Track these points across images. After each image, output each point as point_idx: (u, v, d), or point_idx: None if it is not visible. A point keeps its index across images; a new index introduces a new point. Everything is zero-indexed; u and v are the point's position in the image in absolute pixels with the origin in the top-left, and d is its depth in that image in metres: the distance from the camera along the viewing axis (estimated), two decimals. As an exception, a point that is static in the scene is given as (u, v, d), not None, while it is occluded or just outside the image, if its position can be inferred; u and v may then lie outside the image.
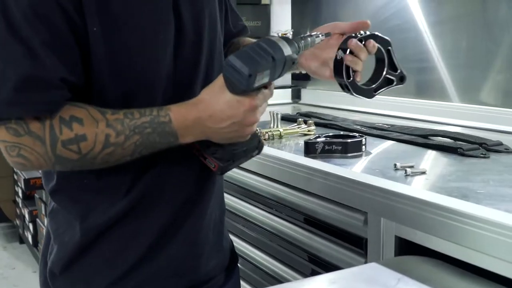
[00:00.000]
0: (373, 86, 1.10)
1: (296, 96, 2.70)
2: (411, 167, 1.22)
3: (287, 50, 0.89)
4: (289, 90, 2.71)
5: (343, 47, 1.04)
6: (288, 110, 2.33)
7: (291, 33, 2.70)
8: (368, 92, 1.09)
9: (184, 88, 0.96)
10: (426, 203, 0.97)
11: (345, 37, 1.07)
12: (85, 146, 0.85)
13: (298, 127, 1.73)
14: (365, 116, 2.05)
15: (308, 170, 1.26)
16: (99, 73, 0.89)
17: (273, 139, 1.64)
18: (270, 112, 1.81)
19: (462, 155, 1.35)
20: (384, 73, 1.10)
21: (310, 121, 1.75)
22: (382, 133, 1.64)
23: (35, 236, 3.41)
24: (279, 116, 1.79)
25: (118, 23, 0.88)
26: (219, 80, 0.89)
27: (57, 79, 0.84)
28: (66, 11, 0.84)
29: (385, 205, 1.06)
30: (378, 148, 1.50)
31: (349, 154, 1.39)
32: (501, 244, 0.85)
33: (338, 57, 1.05)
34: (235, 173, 1.55)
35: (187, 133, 0.89)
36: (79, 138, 0.85)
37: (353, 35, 1.05)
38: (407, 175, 1.17)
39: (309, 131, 1.70)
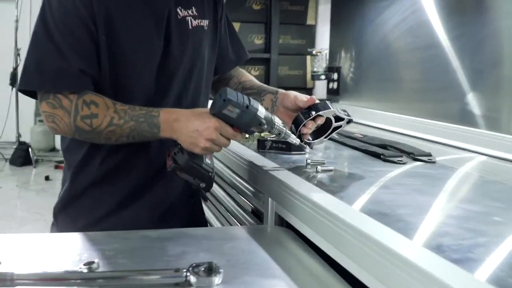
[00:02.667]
0: (324, 136, 1.44)
1: (327, 110, 2.92)
2: (323, 163, 1.46)
3: (261, 113, 1.20)
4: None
5: (297, 125, 1.35)
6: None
7: (327, 52, 2.96)
8: (319, 142, 1.45)
9: (161, 94, 1.32)
10: (289, 188, 1.22)
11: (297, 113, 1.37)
12: (95, 122, 1.22)
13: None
14: (384, 132, 2.21)
15: (238, 156, 1.57)
16: (102, 72, 1.25)
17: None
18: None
19: (385, 160, 1.55)
20: (332, 126, 1.42)
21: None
22: (345, 140, 1.86)
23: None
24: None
25: (118, 37, 1.25)
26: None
27: (77, 70, 1.21)
28: (86, 23, 1.22)
29: (272, 188, 1.31)
30: (324, 150, 1.74)
31: (293, 152, 1.64)
32: (324, 225, 1.06)
33: (291, 130, 1.36)
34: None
35: (166, 128, 1.21)
36: (92, 115, 1.21)
37: (304, 112, 1.35)
38: (317, 172, 1.40)
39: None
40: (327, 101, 1.36)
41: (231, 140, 1.23)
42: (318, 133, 1.43)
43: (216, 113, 1.18)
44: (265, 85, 1.54)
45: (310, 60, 3.17)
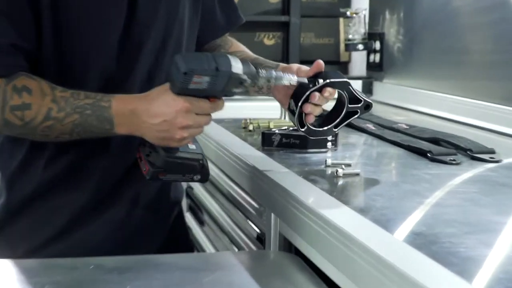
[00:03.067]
0: (334, 123, 1.38)
1: (367, 91, 2.90)
2: (348, 165, 1.45)
3: (237, 68, 1.18)
4: (359, 82, 2.89)
5: (297, 98, 1.30)
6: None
7: (366, 13, 2.94)
8: (328, 131, 1.40)
9: (125, 71, 1.33)
10: (295, 199, 1.21)
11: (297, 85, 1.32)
12: (28, 115, 1.22)
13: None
14: (440, 121, 2.19)
15: (234, 157, 1.58)
16: (44, 44, 1.26)
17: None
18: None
19: (432, 160, 1.54)
20: (345, 109, 1.37)
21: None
22: (384, 133, 1.86)
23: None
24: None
25: (66, 2, 1.25)
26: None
27: (7, 45, 1.22)
28: None
29: (274, 200, 1.31)
30: (357, 147, 1.73)
31: (310, 150, 1.63)
32: (338, 251, 1.04)
33: (290, 107, 1.33)
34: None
35: (122, 123, 1.22)
36: (24, 106, 1.22)
37: (308, 81, 1.30)
38: (337, 176, 1.39)
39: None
40: (337, 71, 1.32)
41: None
42: (326, 120, 1.39)
43: (180, 91, 1.18)
44: (262, 58, 1.53)
45: (343, 24, 3.16)
